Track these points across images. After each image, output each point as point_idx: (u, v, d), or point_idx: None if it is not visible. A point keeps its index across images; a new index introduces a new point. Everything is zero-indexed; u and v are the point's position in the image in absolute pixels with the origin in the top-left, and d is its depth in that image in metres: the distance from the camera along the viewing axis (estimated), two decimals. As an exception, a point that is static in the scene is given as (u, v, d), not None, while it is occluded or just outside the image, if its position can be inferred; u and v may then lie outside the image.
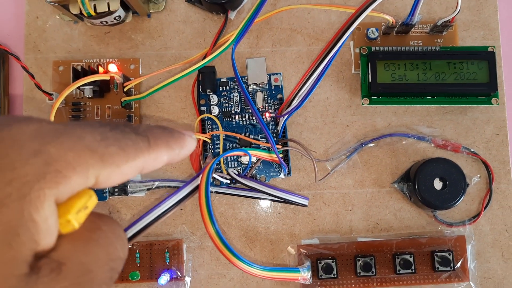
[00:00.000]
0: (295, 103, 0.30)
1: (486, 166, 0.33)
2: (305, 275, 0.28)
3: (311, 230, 0.33)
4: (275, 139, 0.32)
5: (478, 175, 0.33)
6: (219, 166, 0.32)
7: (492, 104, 0.32)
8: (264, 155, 0.31)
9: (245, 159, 0.32)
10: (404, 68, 0.32)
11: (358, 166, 0.33)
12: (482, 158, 0.33)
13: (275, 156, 0.31)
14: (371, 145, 0.33)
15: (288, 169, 0.33)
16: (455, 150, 0.33)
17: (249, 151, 0.30)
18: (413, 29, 0.34)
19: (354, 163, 0.33)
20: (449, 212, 0.33)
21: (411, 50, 0.32)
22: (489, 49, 0.32)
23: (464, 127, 0.34)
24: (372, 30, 0.33)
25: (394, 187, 0.33)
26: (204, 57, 0.32)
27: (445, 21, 0.32)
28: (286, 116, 0.31)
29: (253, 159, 0.32)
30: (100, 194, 0.32)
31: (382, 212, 0.33)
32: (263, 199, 0.32)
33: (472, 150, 0.33)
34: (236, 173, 0.31)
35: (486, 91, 0.31)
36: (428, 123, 0.34)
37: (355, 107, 0.34)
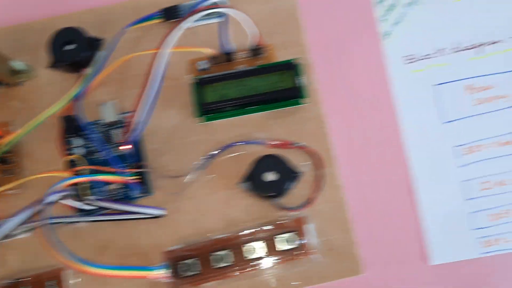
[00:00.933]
0: (136, 130, 0.36)
1: (314, 155, 0.39)
2: (159, 273, 0.33)
3: (176, 238, 0.38)
4: (133, 164, 0.38)
5: (308, 163, 0.39)
6: (78, 195, 0.37)
7: (301, 104, 0.39)
8: (114, 178, 0.36)
9: (106, 187, 0.38)
10: (227, 87, 0.38)
11: (209, 176, 0.39)
12: (310, 149, 0.39)
13: (128, 178, 0.36)
14: (217, 156, 0.39)
15: (147, 188, 0.38)
16: (286, 147, 0.39)
17: (98, 176, 0.35)
18: (238, 55, 0.41)
19: (205, 174, 0.39)
20: (290, 199, 0.38)
21: (229, 72, 0.39)
22: (294, 62, 0.39)
23: (292, 127, 0.40)
24: (199, 63, 0.40)
25: (240, 187, 0.39)
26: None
27: (254, 46, 0.39)
28: (130, 142, 0.37)
29: (113, 185, 0.37)
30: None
31: (234, 211, 0.38)
32: (129, 219, 0.37)
33: (301, 144, 0.39)
34: (98, 198, 0.37)
35: (294, 94, 0.38)
36: (263, 130, 0.40)
37: (199, 127, 0.40)
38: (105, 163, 0.39)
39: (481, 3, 0.42)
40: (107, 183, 0.38)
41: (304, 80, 0.39)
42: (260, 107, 0.39)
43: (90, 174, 0.37)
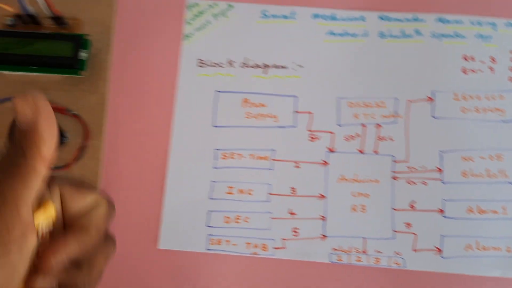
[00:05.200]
0: None
1: (84, 126, 0.42)
2: None
3: None
4: None
5: (76, 132, 0.42)
6: None
7: (79, 75, 0.42)
8: None
9: None
10: (16, 44, 0.41)
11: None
12: (80, 119, 0.42)
13: None
14: (-5, 105, 0.42)
15: None
16: (61, 112, 0.42)
17: None
18: (46, 20, 0.44)
19: (-20, 118, 0.42)
20: (46, 159, 0.41)
21: (12, 31, 0.42)
22: (84, 37, 0.42)
23: (75, 96, 0.43)
24: (8, 19, 0.43)
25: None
26: None
27: (53, 15, 0.42)
28: None
29: None
30: None
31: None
32: None
33: (75, 112, 0.42)
34: None
35: (71, 64, 0.41)
36: (46, 92, 0.43)
37: (-12, 76, 0.43)
38: None
39: (278, 29, 0.46)
40: None
41: (85, 55, 0.42)
42: (41, 69, 0.42)
43: None
